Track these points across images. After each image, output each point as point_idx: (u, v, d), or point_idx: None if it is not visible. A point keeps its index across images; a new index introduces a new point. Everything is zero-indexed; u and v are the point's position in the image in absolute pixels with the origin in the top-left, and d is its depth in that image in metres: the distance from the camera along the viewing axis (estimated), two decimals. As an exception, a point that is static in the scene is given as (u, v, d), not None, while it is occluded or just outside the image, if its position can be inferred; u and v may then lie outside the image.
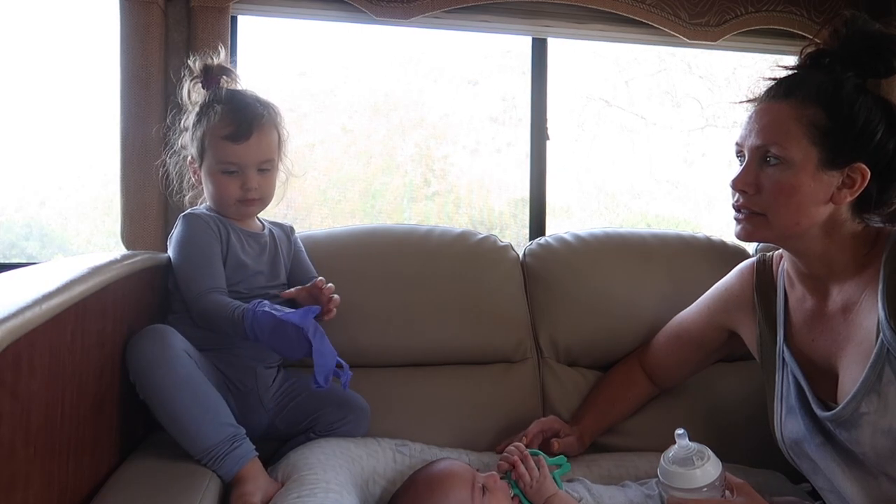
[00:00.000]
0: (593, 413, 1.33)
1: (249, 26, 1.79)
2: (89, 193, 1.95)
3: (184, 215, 1.17)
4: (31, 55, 1.81)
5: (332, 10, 1.72)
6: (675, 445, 0.99)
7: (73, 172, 1.90)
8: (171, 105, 1.60)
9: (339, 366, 1.02)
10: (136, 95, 1.54)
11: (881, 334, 0.91)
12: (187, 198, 1.28)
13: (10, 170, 1.83)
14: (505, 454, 1.11)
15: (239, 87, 1.21)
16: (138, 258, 1.06)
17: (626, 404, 1.35)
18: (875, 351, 0.91)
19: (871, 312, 0.94)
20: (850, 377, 0.95)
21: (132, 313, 1.05)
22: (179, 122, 1.23)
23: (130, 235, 1.56)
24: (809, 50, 1.00)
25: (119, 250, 1.34)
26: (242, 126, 1.13)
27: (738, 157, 1.04)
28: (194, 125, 1.17)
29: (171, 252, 1.17)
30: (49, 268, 0.91)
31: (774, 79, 1.01)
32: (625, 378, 1.36)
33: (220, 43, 1.52)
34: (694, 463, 0.95)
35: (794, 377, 1.05)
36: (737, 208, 1.02)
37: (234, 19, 1.72)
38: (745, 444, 1.28)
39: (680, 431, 0.99)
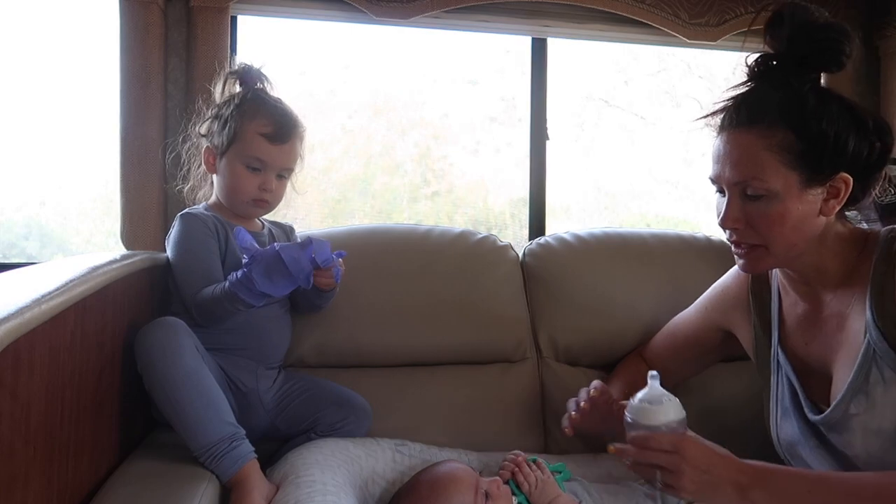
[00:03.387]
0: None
1: (249, 26, 1.79)
2: (89, 193, 1.95)
3: (181, 214, 1.17)
4: (31, 55, 1.81)
5: (331, 10, 1.72)
6: (647, 387, 0.95)
7: (73, 172, 1.90)
8: (176, 103, 1.61)
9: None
10: (135, 95, 1.54)
11: (867, 334, 0.91)
12: (187, 188, 1.28)
13: (10, 170, 1.83)
14: (505, 462, 1.11)
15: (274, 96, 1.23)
16: (138, 258, 1.07)
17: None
18: (861, 352, 0.91)
19: (862, 315, 0.94)
20: (841, 380, 0.95)
21: (132, 313, 1.05)
22: (206, 111, 1.23)
23: (130, 235, 1.56)
24: (753, 59, 0.96)
25: (119, 250, 1.34)
26: (284, 130, 1.17)
27: (717, 190, 1.00)
28: (231, 114, 1.17)
29: (168, 251, 1.17)
30: (49, 268, 0.91)
31: (733, 98, 0.97)
32: (632, 378, 1.34)
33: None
34: (662, 403, 0.92)
35: (789, 380, 1.05)
36: (734, 244, 1.00)
37: (233, 19, 1.72)
38: (743, 445, 1.27)
39: (653, 373, 0.94)
